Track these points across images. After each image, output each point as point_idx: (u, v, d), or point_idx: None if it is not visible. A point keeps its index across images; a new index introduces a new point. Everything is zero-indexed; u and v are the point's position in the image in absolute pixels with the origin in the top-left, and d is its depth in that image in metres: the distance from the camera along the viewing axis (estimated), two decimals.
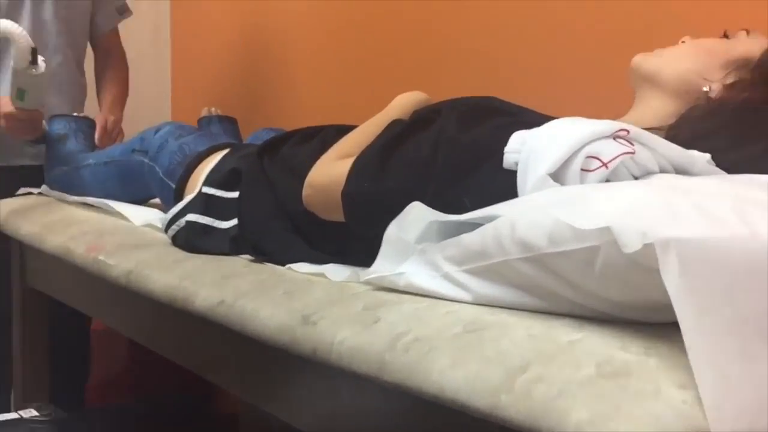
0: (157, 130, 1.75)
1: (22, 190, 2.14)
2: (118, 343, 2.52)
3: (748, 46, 1.18)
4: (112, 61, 2.47)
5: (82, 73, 2.44)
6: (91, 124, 2.24)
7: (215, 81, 2.93)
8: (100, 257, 1.46)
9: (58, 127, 2.15)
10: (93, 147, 2.19)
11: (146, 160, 1.71)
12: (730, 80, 1.15)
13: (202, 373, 1.32)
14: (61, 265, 1.67)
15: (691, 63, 1.19)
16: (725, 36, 1.22)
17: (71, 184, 2.01)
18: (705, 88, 1.15)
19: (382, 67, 2.14)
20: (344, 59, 2.28)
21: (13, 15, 2.13)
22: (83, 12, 2.36)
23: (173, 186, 1.55)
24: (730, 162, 1.02)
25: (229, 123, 2.37)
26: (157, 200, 1.79)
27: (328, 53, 2.35)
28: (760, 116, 1.10)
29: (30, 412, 1.43)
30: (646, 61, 1.23)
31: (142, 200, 1.85)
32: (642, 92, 1.22)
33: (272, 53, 2.61)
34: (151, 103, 2.98)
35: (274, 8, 2.61)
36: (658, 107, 1.19)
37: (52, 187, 2.09)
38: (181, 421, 2.37)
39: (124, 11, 2.47)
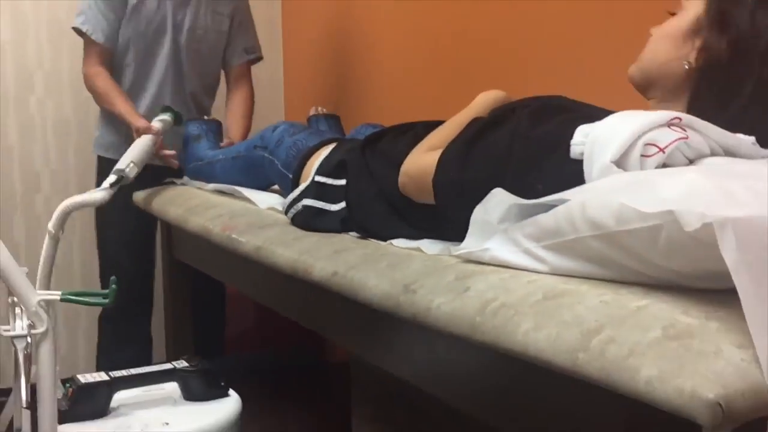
0: (274, 129, 1.75)
1: (167, 181, 2.19)
2: (248, 305, 2.56)
3: (693, 8, 1.06)
4: (239, 96, 2.43)
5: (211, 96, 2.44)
6: (219, 124, 2.28)
7: (321, 83, 2.93)
8: (234, 235, 1.48)
9: (193, 129, 2.20)
10: (220, 144, 2.23)
11: (266, 155, 1.73)
12: (698, 45, 1.03)
13: (319, 331, 1.34)
14: (201, 241, 1.70)
15: (662, 54, 1.07)
16: (672, 14, 1.10)
17: (206, 175, 2.05)
18: (685, 66, 1.04)
19: (466, 66, 2.10)
20: (432, 60, 2.24)
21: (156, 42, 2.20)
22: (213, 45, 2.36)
23: (290, 176, 1.56)
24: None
25: (333, 120, 2.36)
26: (276, 187, 1.81)
27: (417, 54, 2.31)
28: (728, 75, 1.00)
29: (181, 363, 1.46)
30: (633, 71, 1.12)
31: (264, 187, 1.87)
32: (651, 98, 1.11)
33: (368, 57, 2.58)
34: (267, 103, 3.00)
35: (363, 15, 2.57)
36: (670, 104, 1.07)
37: (191, 178, 2.13)
38: (300, 369, 2.40)
39: (252, 52, 2.43)
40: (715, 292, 0.75)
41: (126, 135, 2.20)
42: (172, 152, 2.13)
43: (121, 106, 2.16)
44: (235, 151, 1.94)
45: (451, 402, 1.00)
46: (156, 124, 2.08)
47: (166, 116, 2.13)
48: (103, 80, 2.20)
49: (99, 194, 1.80)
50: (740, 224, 0.66)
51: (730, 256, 0.65)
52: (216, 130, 2.24)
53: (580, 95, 1.17)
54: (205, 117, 2.27)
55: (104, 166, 2.29)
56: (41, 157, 2.70)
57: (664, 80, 1.07)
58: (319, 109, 2.40)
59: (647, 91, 1.11)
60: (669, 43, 1.07)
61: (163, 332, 2.31)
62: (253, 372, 2.35)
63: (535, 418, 0.85)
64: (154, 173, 2.15)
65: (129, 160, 1.90)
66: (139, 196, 2.15)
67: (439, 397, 1.02)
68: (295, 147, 1.59)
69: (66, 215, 1.67)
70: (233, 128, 2.32)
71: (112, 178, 1.86)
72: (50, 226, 1.62)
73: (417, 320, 0.94)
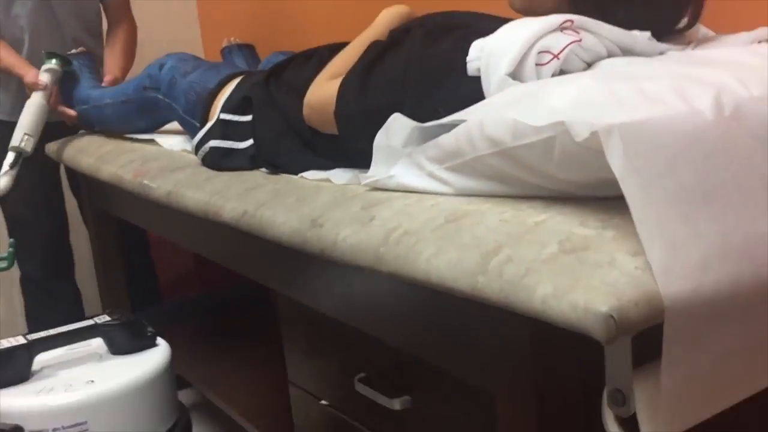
0: (161, 66, 1.62)
1: (81, 132, 2.08)
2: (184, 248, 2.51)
3: None
4: (118, 31, 2.22)
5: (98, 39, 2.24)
6: (91, 57, 2.06)
7: (239, 10, 2.82)
8: (145, 181, 1.44)
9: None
10: (100, 78, 2.02)
11: (161, 97, 1.61)
12: None
13: (238, 270, 1.31)
14: (116, 188, 1.65)
15: None
16: None
17: (97, 121, 1.90)
18: None
19: None
20: None
21: None
22: None
23: (197, 124, 1.47)
24: None
25: (248, 50, 2.27)
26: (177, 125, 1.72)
27: None
28: None
29: (103, 318, 1.43)
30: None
31: (163, 125, 1.78)
32: None
33: None
34: (183, 37, 2.87)
35: None
36: None
37: (81, 124, 1.97)
38: (244, 309, 2.38)
39: None
40: (615, 200, 0.73)
41: (16, 92, 2.06)
42: (72, 112, 1.94)
43: (6, 58, 1.97)
44: (123, 94, 1.78)
45: (371, 333, 1.00)
46: (43, 77, 1.90)
47: (52, 64, 1.91)
48: None
49: (2, 181, 1.71)
50: (627, 129, 0.65)
51: (616, 162, 0.64)
52: (89, 63, 2.03)
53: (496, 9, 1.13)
54: (74, 51, 2.03)
55: None
56: None
57: (540, 3, 1.02)
58: (232, 39, 2.31)
59: (533, 15, 1.03)
60: None
61: (96, 287, 2.26)
62: (194, 316, 2.32)
63: (450, 344, 0.84)
64: (52, 133, 1.99)
65: (22, 133, 1.77)
66: (51, 147, 2.06)
67: (360, 329, 1.01)
68: (192, 91, 1.49)
69: None
70: (112, 66, 2.12)
71: (10, 157, 1.75)
72: None
73: (325, 255, 0.92)
